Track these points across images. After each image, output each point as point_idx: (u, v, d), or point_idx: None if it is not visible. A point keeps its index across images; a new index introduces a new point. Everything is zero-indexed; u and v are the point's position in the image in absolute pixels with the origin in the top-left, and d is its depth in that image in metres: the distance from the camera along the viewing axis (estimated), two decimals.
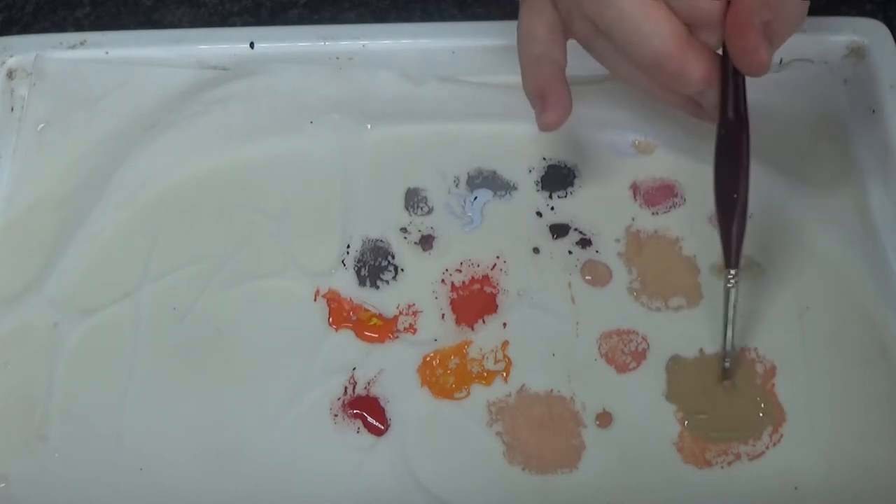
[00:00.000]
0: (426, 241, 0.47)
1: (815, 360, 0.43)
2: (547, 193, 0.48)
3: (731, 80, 0.39)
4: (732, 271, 0.40)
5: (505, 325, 0.44)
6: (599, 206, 0.47)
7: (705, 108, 0.41)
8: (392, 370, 0.43)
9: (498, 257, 0.46)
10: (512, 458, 0.41)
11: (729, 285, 0.40)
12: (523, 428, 0.42)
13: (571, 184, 0.48)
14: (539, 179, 0.48)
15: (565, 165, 0.48)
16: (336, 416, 0.42)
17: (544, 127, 0.41)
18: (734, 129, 0.40)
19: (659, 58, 0.38)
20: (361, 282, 0.45)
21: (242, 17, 0.56)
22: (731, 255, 0.40)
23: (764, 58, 0.37)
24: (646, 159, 0.48)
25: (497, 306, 0.45)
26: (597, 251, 0.46)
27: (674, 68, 0.38)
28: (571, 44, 0.42)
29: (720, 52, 0.39)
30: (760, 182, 0.47)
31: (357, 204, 0.47)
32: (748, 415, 0.42)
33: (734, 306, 0.41)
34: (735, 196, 0.40)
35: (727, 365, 0.42)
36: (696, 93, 0.40)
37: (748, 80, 0.40)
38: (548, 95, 0.41)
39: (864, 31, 0.50)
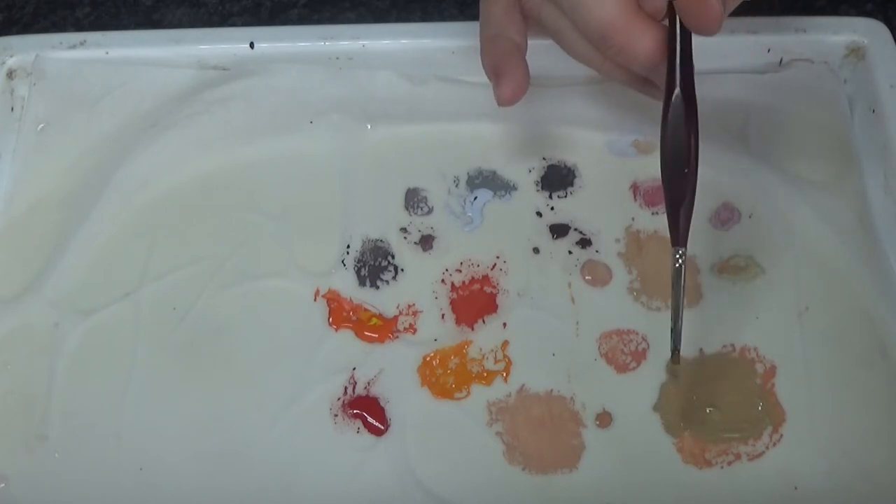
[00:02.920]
0: (426, 241, 0.47)
1: (815, 360, 0.43)
2: (547, 193, 0.48)
3: (677, 48, 0.38)
4: (681, 250, 0.38)
5: (505, 325, 0.44)
6: (599, 206, 0.47)
7: (657, 84, 0.39)
8: (392, 370, 0.43)
9: (498, 257, 0.46)
10: (512, 458, 0.41)
11: (677, 264, 0.39)
12: (523, 428, 0.42)
13: (571, 184, 0.48)
14: (539, 179, 0.48)
15: (565, 165, 0.48)
16: (336, 416, 0.42)
17: (500, 101, 0.40)
18: (681, 100, 0.38)
19: (605, 29, 0.37)
20: (361, 282, 0.45)
21: (242, 17, 0.56)
22: (680, 232, 0.38)
23: (716, 7, 0.36)
24: (646, 159, 0.48)
25: (497, 306, 0.45)
26: (597, 251, 0.46)
27: (620, 41, 0.37)
28: None
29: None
30: (761, 182, 0.47)
31: (357, 204, 0.47)
32: (748, 415, 0.42)
33: (683, 286, 0.39)
34: (686, 171, 0.38)
35: (677, 347, 0.40)
36: (645, 69, 0.39)
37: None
38: (502, 71, 0.40)
39: (864, 31, 0.50)
